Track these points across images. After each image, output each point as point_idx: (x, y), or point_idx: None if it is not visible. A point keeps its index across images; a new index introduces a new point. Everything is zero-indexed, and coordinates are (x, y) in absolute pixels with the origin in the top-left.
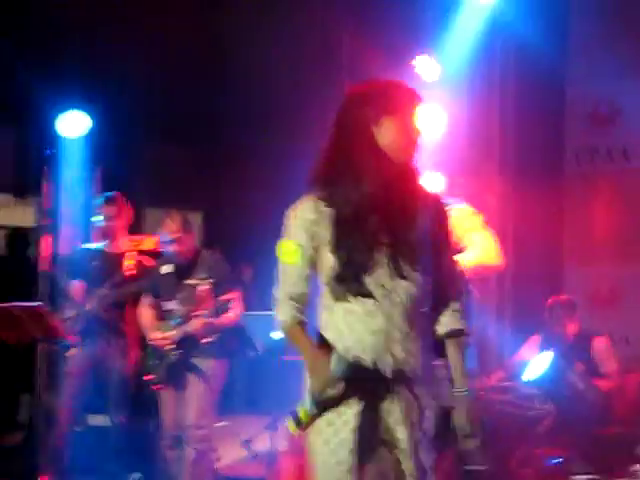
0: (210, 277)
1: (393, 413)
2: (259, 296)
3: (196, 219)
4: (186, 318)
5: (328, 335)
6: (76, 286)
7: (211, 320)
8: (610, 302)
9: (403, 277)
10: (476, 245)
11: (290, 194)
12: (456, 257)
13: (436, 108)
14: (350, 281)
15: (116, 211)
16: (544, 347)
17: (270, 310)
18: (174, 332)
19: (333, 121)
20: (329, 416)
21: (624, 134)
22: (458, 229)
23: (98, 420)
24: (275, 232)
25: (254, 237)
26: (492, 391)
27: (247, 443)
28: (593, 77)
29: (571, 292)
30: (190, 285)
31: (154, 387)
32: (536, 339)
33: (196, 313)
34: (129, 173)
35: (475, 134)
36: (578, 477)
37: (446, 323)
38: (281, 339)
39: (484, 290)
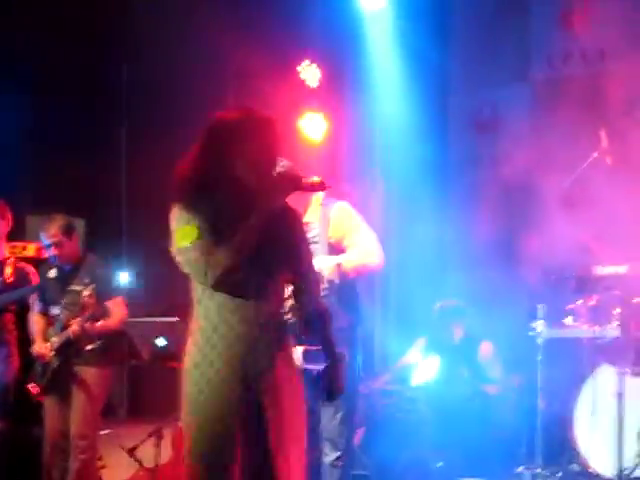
0: (93, 282)
1: None
2: (145, 302)
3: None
4: (67, 324)
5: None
6: None
7: (88, 325)
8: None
9: None
10: (357, 244)
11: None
12: (337, 257)
13: (319, 114)
14: None
15: None
16: (430, 350)
17: (155, 317)
18: (55, 339)
19: (199, 142)
20: None
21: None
22: (339, 228)
23: None
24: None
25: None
26: (378, 395)
27: (131, 451)
28: (473, 84)
29: (454, 295)
30: (74, 290)
31: (35, 395)
32: (421, 342)
33: (75, 319)
34: (9, 178)
35: (358, 139)
36: None
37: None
38: (165, 346)
39: (368, 293)
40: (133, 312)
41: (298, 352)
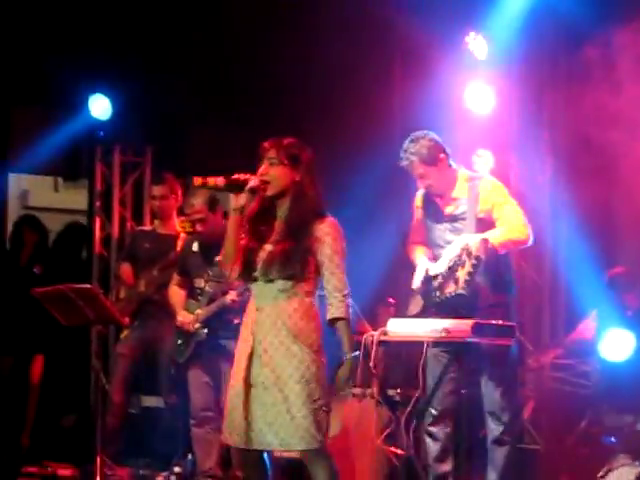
0: None
1: None
2: None
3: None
4: (214, 297)
5: None
6: (125, 268)
7: (240, 299)
8: None
9: None
10: (504, 219)
11: None
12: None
13: (486, 86)
14: None
15: (167, 190)
16: (603, 323)
17: None
18: (202, 311)
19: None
20: None
21: None
22: (487, 201)
23: (151, 401)
24: None
25: None
26: (548, 368)
27: None
28: None
29: (625, 264)
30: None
31: (175, 367)
32: (593, 315)
33: (231, 291)
34: (181, 152)
35: (525, 112)
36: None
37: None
38: None
39: (539, 270)
40: None
41: (467, 324)
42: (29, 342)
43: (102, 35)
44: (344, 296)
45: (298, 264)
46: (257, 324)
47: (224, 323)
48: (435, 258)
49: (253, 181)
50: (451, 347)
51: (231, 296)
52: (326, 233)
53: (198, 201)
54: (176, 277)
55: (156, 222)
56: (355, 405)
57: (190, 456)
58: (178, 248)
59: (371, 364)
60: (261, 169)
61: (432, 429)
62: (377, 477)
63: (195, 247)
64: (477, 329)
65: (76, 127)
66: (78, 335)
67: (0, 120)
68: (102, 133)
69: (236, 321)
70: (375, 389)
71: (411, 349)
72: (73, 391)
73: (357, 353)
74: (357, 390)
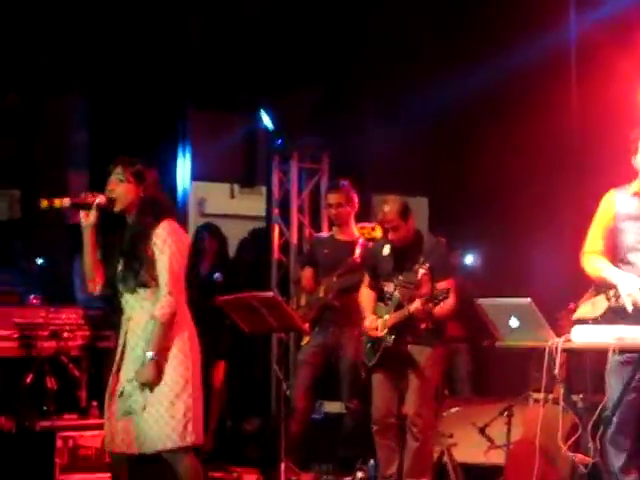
0: (427, 262)
1: None
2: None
3: (421, 204)
4: (402, 302)
5: None
6: (307, 274)
7: (430, 306)
8: None
9: None
10: None
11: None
12: None
13: None
14: None
15: (343, 198)
16: None
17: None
18: (389, 316)
19: None
20: None
21: None
22: None
23: (333, 407)
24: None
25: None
26: None
27: (482, 429)
28: None
29: None
30: (410, 269)
31: (364, 372)
32: None
33: (417, 298)
34: (356, 159)
35: None
36: None
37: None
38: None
39: None
40: (481, 292)
41: None
42: (211, 348)
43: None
44: (165, 297)
45: (144, 272)
46: (128, 332)
47: (411, 329)
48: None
49: (99, 198)
50: (636, 355)
51: (415, 304)
52: (157, 236)
53: (391, 209)
54: (367, 279)
55: (334, 229)
56: (538, 411)
57: (372, 461)
58: (357, 253)
59: (556, 372)
60: (108, 186)
61: (617, 438)
62: None
63: (386, 251)
64: None
65: (251, 134)
66: (259, 341)
67: (178, 127)
68: (280, 141)
69: (423, 326)
70: (560, 395)
71: (595, 355)
72: (255, 396)
73: (152, 356)
74: (539, 395)
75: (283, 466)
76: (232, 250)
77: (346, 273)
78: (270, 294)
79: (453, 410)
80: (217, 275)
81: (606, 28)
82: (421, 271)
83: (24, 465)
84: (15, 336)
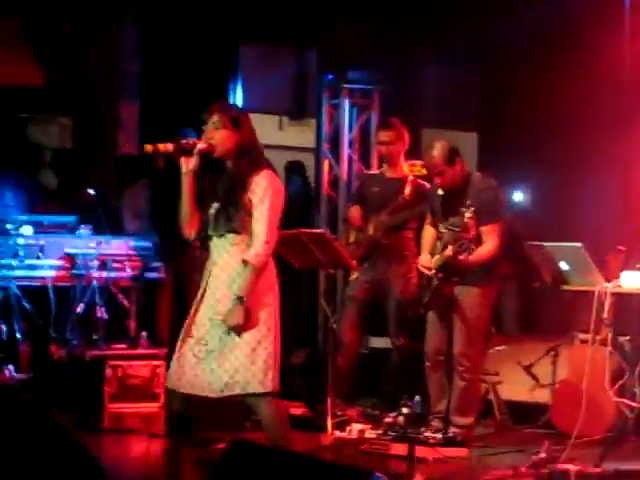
0: (474, 205)
1: None
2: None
3: (471, 139)
4: (447, 244)
5: None
6: (355, 211)
7: (463, 256)
8: None
9: None
10: None
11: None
12: None
13: None
14: None
15: (394, 136)
16: None
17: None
18: (437, 257)
19: None
20: None
21: None
22: None
23: (380, 342)
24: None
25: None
26: None
27: (528, 368)
28: None
29: None
30: (458, 211)
31: (416, 310)
32: None
33: (452, 244)
34: (407, 95)
35: None
36: None
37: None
38: (568, 270)
39: None
40: (531, 230)
41: None
42: None
43: None
44: (261, 245)
45: (238, 218)
46: (211, 276)
47: (456, 269)
48: None
49: (200, 145)
50: None
51: (448, 252)
52: (257, 184)
53: (436, 154)
54: (429, 217)
55: (384, 166)
56: (584, 351)
57: (417, 397)
58: (407, 191)
59: (604, 315)
60: (206, 133)
61: None
62: (607, 427)
63: (440, 192)
64: None
65: (301, 67)
66: (307, 274)
67: (228, 58)
68: (331, 76)
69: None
70: (607, 337)
71: None
72: (303, 330)
73: (245, 298)
74: (586, 336)
75: (329, 400)
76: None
77: (395, 211)
78: (320, 231)
79: (499, 348)
80: None
81: None
82: (467, 215)
83: (74, 393)
84: (66, 265)
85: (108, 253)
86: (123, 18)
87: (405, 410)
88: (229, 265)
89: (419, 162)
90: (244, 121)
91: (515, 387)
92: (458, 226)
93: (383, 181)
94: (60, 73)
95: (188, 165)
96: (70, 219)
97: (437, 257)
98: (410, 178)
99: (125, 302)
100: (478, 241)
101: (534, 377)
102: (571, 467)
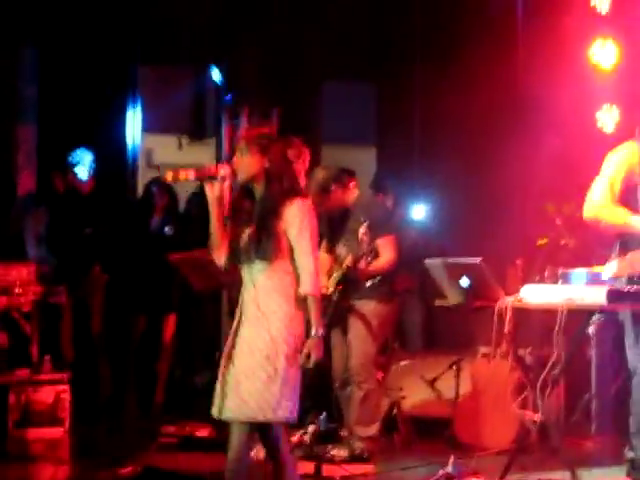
0: (366, 220)
1: None
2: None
3: (369, 154)
4: (346, 260)
5: None
6: None
7: (362, 264)
8: None
9: None
10: None
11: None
12: None
13: (610, 40)
14: None
15: (295, 154)
16: None
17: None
18: (336, 274)
19: None
20: None
21: None
22: None
23: None
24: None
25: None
26: None
27: (431, 382)
28: None
29: None
30: (352, 228)
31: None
32: None
33: (350, 256)
34: (306, 114)
35: None
36: None
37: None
38: (468, 286)
39: None
40: (432, 246)
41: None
42: (162, 302)
43: None
44: (312, 275)
45: (269, 246)
46: (244, 303)
47: (355, 285)
48: None
49: (223, 170)
50: None
51: (347, 262)
52: (293, 215)
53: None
54: (323, 243)
55: None
56: (486, 365)
57: (324, 414)
58: None
59: (506, 330)
60: (233, 159)
61: None
62: (509, 440)
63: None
64: (613, 296)
65: (200, 87)
66: (210, 295)
67: (126, 79)
68: (229, 96)
69: (367, 282)
70: (508, 351)
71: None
72: (206, 350)
73: (321, 332)
74: (488, 349)
75: None
76: (182, 202)
77: None
78: None
79: (403, 363)
80: (167, 229)
81: None
82: (361, 230)
83: None
84: None
85: (9, 279)
86: (19, 41)
87: (311, 428)
88: (257, 292)
89: None
90: (273, 148)
91: (419, 402)
92: (354, 241)
93: None
94: None
95: (212, 191)
96: None
97: (336, 273)
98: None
99: (27, 327)
100: (375, 254)
101: (438, 391)
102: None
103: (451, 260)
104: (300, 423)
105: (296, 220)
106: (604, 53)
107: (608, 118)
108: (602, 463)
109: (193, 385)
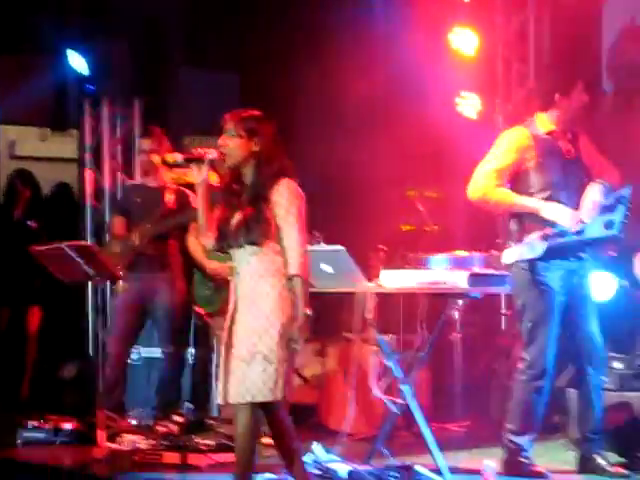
0: None
1: None
2: None
3: None
4: None
5: None
6: (118, 222)
7: None
8: None
9: None
10: None
11: None
12: None
13: (469, 28)
14: None
15: (155, 144)
16: None
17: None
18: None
19: None
20: None
21: None
22: None
23: (150, 352)
24: None
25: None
26: None
27: (297, 370)
28: None
29: None
30: None
31: (205, 317)
32: None
33: None
34: (167, 103)
35: (510, 56)
36: None
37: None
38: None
39: None
40: None
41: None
42: (26, 294)
43: None
44: (299, 254)
45: (258, 229)
46: (237, 288)
47: None
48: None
49: (211, 154)
50: None
51: None
52: (279, 195)
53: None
54: (194, 230)
55: (145, 176)
56: (350, 351)
57: (189, 405)
58: (168, 200)
59: (368, 315)
60: (220, 141)
61: None
62: (372, 425)
63: None
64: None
65: (61, 77)
66: (74, 287)
67: None
68: (90, 87)
69: None
70: (371, 336)
71: (407, 296)
72: (71, 342)
73: (309, 312)
74: (351, 335)
75: (100, 413)
76: (47, 192)
77: (159, 220)
78: (85, 243)
79: None
80: (31, 222)
81: None
82: None
83: None
84: None
85: None
86: None
87: (177, 418)
88: (249, 274)
89: (181, 170)
90: (262, 131)
91: None
92: None
93: (145, 191)
94: None
95: (200, 174)
96: None
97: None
98: (173, 187)
99: None
100: None
101: (303, 378)
102: (342, 465)
103: (314, 247)
104: (166, 413)
105: (283, 200)
106: (463, 40)
107: (468, 104)
108: (466, 446)
109: (59, 377)
